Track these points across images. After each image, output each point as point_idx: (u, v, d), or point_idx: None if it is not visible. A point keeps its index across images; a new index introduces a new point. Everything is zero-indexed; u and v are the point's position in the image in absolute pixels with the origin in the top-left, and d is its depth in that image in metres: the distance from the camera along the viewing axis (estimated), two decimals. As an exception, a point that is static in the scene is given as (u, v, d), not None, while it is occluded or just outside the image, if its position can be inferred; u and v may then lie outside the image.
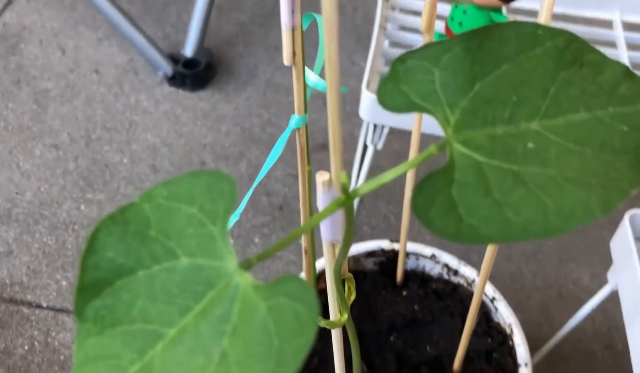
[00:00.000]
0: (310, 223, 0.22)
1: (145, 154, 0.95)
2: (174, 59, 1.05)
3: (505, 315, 0.58)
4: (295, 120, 0.43)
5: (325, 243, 0.34)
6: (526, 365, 0.55)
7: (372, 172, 0.78)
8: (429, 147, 0.22)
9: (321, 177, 0.30)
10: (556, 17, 0.81)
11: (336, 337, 0.38)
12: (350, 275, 0.37)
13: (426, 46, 0.22)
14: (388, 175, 0.22)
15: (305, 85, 0.43)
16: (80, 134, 0.97)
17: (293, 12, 0.39)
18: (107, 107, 1.01)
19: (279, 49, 1.12)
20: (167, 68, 1.03)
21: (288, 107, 1.03)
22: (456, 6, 0.62)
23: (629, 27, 0.80)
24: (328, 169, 0.29)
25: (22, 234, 0.84)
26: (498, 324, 0.59)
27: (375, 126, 0.68)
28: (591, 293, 0.64)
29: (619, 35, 0.79)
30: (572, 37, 0.23)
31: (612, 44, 0.78)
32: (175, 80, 1.04)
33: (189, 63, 1.04)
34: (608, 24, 0.81)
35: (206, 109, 1.02)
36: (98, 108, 1.01)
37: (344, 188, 0.22)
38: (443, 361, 0.58)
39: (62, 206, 0.88)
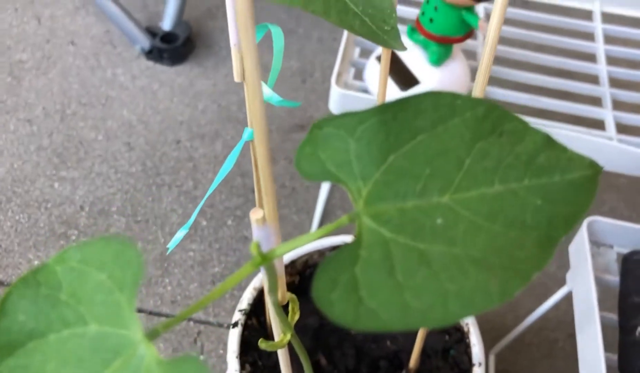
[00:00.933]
0: (224, 287, 0.22)
1: (120, 131, 0.94)
2: (152, 32, 1.03)
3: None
4: (248, 133, 0.43)
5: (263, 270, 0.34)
6: (480, 364, 0.57)
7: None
8: (341, 218, 0.22)
9: (254, 215, 0.30)
10: (534, 5, 0.80)
11: (283, 356, 0.39)
12: (294, 296, 0.37)
13: (343, 115, 0.22)
14: (301, 240, 0.23)
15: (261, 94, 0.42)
16: (56, 109, 0.96)
17: (242, 30, 0.38)
18: (83, 81, 1.00)
19: (260, 22, 1.11)
20: (144, 42, 1.02)
21: (266, 85, 1.02)
22: (427, 2, 0.61)
23: (608, 19, 0.80)
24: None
25: (-6, 212, 0.84)
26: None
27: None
28: (558, 282, 0.65)
29: (597, 26, 0.78)
30: (492, 106, 0.23)
31: (590, 36, 0.77)
32: (152, 54, 1.02)
33: (167, 37, 1.03)
34: (587, 15, 0.80)
35: (184, 84, 1.01)
36: (74, 82, 1.00)
37: (258, 253, 0.22)
38: (402, 356, 0.59)
39: (35, 183, 0.87)
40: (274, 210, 0.29)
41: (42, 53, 1.03)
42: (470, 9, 0.59)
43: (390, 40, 0.28)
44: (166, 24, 1.04)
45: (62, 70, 1.01)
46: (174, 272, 0.80)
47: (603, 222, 0.55)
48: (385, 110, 0.21)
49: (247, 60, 0.42)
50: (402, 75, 0.65)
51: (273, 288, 0.25)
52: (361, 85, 0.68)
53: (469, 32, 0.61)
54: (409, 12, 0.75)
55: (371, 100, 0.62)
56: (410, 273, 0.20)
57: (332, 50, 1.07)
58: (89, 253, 0.22)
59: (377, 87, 0.65)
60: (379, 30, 0.28)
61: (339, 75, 0.67)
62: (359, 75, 0.69)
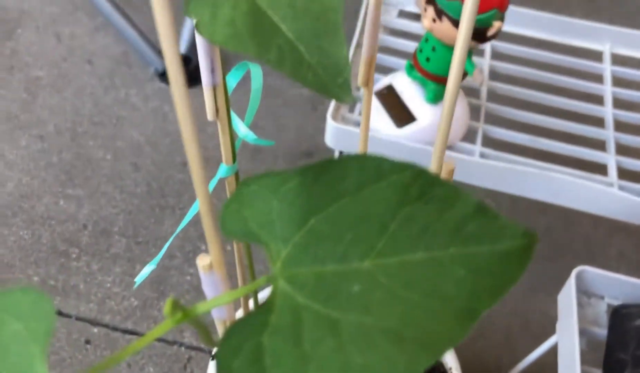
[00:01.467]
0: (138, 344, 0.22)
1: (128, 151, 0.95)
2: (166, 54, 1.04)
3: (447, 357, 0.58)
4: (223, 170, 0.43)
5: (216, 320, 0.34)
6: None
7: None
8: (259, 279, 0.21)
9: (202, 261, 0.30)
10: (543, 44, 0.79)
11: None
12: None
13: (268, 174, 0.22)
14: (223, 298, 0.22)
15: (232, 137, 0.43)
16: (67, 126, 0.98)
17: (213, 71, 0.38)
18: (96, 100, 1.02)
19: (274, 48, 1.12)
20: (158, 64, 1.03)
21: (275, 111, 1.02)
22: (426, 40, 0.61)
23: (619, 60, 0.78)
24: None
25: (-1, 226, 0.86)
26: (441, 364, 0.59)
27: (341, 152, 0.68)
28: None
29: (607, 68, 0.77)
30: (420, 171, 0.22)
31: (598, 78, 0.76)
32: (165, 76, 1.04)
33: (184, 60, 1.04)
34: (597, 56, 0.78)
35: (194, 107, 1.02)
36: (87, 100, 1.01)
37: (181, 309, 0.22)
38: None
39: (42, 200, 0.89)
40: (219, 258, 0.29)
41: (59, 71, 1.05)
42: (468, 53, 0.59)
43: (342, 93, 0.27)
44: (182, 47, 1.05)
45: (76, 89, 1.03)
46: (169, 295, 0.80)
47: (593, 272, 0.53)
48: (307, 171, 0.21)
49: (219, 97, 0.42)
50: (398, 111, 0.64)
51: (205, 340, 0.25)
52: (359, 118, 0.68)
53: (465, 74, 0.61)
54: (408, 45, 0.75)
55: (373, 139, 0.62)
56: (318, 343, 0.20)
57: (344, 78, 1.07)
58: (9, 302, 0.22)
59: (376, 124, 0.65)
60: (332, 83, 0.28)
61: (337, 108, 0.67)
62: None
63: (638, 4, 1.24)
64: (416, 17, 0.77)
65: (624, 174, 0.66)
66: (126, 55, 1.08)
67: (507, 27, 0.77)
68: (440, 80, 0.62)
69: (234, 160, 0.44)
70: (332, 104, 0.66)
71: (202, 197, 0.26)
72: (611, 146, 0.68)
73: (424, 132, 0.63)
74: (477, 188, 0.66)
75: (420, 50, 0.62)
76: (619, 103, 0.73)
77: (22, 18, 1.12)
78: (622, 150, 0.69)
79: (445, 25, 0.56)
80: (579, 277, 0.53)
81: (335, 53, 0.29)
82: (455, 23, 0.56)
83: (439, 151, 0.35)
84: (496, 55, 0.75)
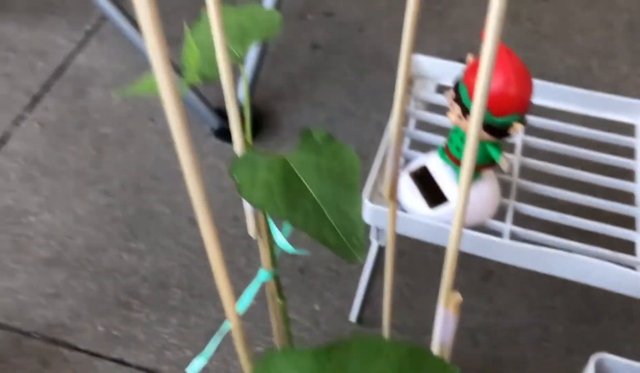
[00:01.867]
0: None
1: (185, 206, 1.03)
2: (222, 113, 1.12)
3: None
4: (263, 275, 0.49)
5: None
6: None
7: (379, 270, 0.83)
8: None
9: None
10: (575, 117, 0.82)
11: None
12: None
13: (289, 351, 0.27)
14: None
15: (272, 248, 0.48)
16: (131, 182, 1.06)
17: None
18: (158, 156, 1.10)
19: (324, 104, 1.18)
20: (213, 122, 1.11)
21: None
22: (455, 131, 0.65)
23: (652, 134, 0.80)
24: None
25: (69, 278, 0.94)
26: None
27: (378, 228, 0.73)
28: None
29: (638, 142, 0.79)
30: (414, 349, 0.27)
31: (630, 152, 0.79)
32: (221, 134, 1.11)
33: (235, 118, 1.11)
34: (628, 129, 0.81)
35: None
36: (149, 156, 1.10)
37: None
38: None
39: (107, 253, 0.97)
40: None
41: (124, 128, 1.14)
42: (495, 143, 0.63)
43: (356, 253, 0.33)
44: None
45: (140, 145, 1.12)
46: (221, 347, 0.86)
47: (612, 360, 0.56)
48: (320, 353, 0.27)
49: (260, 217, 0.48)
50: (431, 192, 0.69)
51: None
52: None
53: (492, 163, 0.65)
54: (444, 121, 0.79)
55: (405, 218, 0.67)
56: None
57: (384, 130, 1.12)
58: None
59: (409, 204, 0.70)
60: (349, 243, 0.33)
61: (374, 187, 0.72)
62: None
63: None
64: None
65: (652, 252, 0.68)
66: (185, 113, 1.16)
67: (539, 101, 0.80)
68: (470, 167, 0.66)
69: (275, 265, 0.49)
70: (370, 181, 0.71)
71: (233, 319, 0.32)
72: (640, 223, 0.70)
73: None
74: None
75: (451, 140, 0.66)
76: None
77: (92, 76, 1.22)
78: (652, 227, 0.71)
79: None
80: (598, 366, 0.56)
81: (352, 214, 0.34)
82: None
83: (456, 236, 0.40)
84: (527, 130, 0.79)
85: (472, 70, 0.60)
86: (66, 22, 1.32)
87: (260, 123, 1.14)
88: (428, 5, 1.37)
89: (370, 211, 0.68)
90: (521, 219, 0.72)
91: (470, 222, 0.69)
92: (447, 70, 0.82)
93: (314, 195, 0.35)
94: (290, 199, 0.35)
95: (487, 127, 0.60)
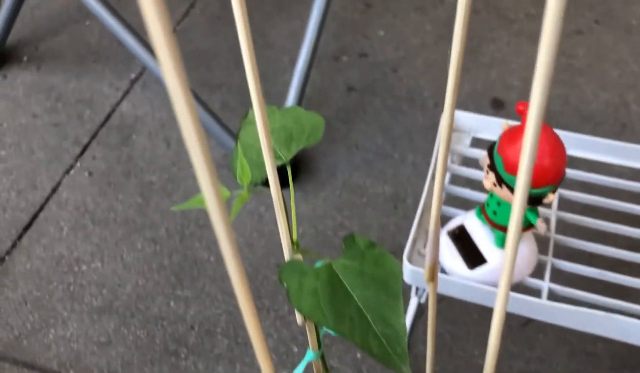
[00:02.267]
0: None
1: (228, 253, 1.06)
2: (261, 159, 1.15)
3: None
4: (310, 355, 0.51)
5: None
6: None
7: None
8: None
9: None
10: (612, 168, 0.83)
11: None
12: None
13: None
14: None
15: (318, 331, 0.51)
16: (176, 229, 1.10)
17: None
18: (200, 203, 1.14)
19: (359, 147, 1.20)
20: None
21: (361, 210, 1.10)
22: (491, 196, 0.67)
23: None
24: None
25: (120, 326, 0.98)
26: None
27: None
28: None
29: (678, 192, 0.79)
30: None
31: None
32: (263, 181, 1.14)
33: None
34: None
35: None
36: (192, 203, 1.14)
37: None
38: None
39: (155, 301, 1.01)
40: None
41: (169, 175, 1.19)
42: (532, 208, 0.64)
43: (400, 363, 0.35)
44: (274, 151, 1.16)
45: (184, 192, 1.16)
46: (266, 396, 0.89)
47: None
48: None
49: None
50: (470, 252, 0.71)
51: None
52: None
53: (531, 224, 0.67)
54: (480, 175, 0.81)
55: (446, 280, 0.69)
56: None
57: (425, 175, 1.14)
58: None
59: (449, 264, 0.71)
60: (393, 352, 0.36)
61: (414, 242, 0.74)
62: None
63: None
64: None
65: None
66: (226, 159, 1.20)
67: (576, 153, 0.81)
68: (503, 230, 0.68)
69: (320, 347, 0.52)
70: (410, 240, 0.73)
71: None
72: (680, 279, 0.71)
73: (494, 274, 0.69)
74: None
75: (488, 204, 0.68)
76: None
77: (137, 124, 1.27)
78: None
79: (505, 191, 0.62)
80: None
81: (396, 323, 0.37)
82: (514, 192, 0.62)
83: (499, 315, 0.41)
84: (565, 183, 0.80)
85: (508, 141, 0.62)
86: (111, 71, 1.38)
87: (297, 168, 1.17)
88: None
89: (410, 272, 0.70)
90: (560, 276, 0.73)
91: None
92: (483, 125, 0.84)
93: (359, 303, 0.37)
94: (336, 308, 0.37)
95: (523, 195, 0.62)
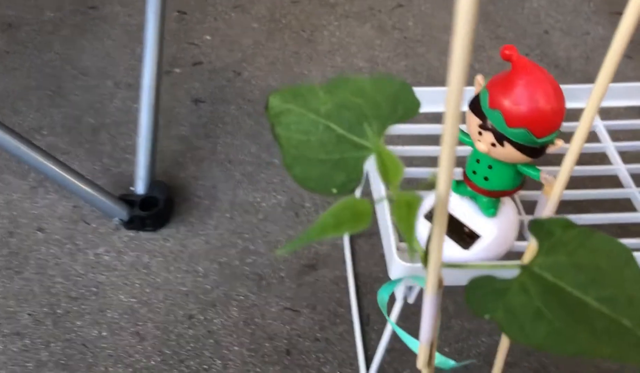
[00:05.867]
0: None
1: (124, 320, 0.86)
2: (127, 200, 0.96)
3: None
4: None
5: None
6: None
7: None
8: None
9: None
10: None
11: None
12: None
13: None
14: None
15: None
16: (44, 312, 0.86)
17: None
18: (65, 272, 0.91)
19: (232, 161, 1.07)
20: (121, 213, 0.94)
21: (262, 228, 0.97)
22: (477, 161, 0.60)
23: None
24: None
25: None
26: None
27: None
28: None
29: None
30: None
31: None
32: (133, 223, 0.95)
33: (146, 201, 0.96)
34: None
35: (175, 249, 0.94)
36: (55, 274, 0.90)
37: None
38: None
39: (48, 409, 0.78)
40: None
41: (9, 249, 0.93)
42: (528, 164, 0.59)
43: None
44: (140, 188, 0.97)
45: (37, 264, 0.91)
46: None
47: None
48: None
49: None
50: (459, 231, 0.63)
51: None
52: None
53: (523, 181, 0.61)
54: (425, 151, 0.74)
55: (449, 273, 0.60)
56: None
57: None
58: None
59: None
60: None
61: (395, 242, 0.64)
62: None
63: None
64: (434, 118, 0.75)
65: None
66: (79, 210, 0.98)
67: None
68: (499, 195, 0.61)
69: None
70: (393, 236, 0.63)
71: None
72: None
73: (492, 246, 0.62)
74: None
75: (474, 172, 0.61)
76: None
77: None
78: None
79: (507, 149, 0.56)
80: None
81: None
82: (519, 147, 0.55)
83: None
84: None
85: (503, 92, 0.55)
86: None
87: (172, 200, 1.00)
88: (297, 31, 1.31)
89: (402, 269, 0.61)
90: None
91: (503, 251, 0.64)
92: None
93: (601, 307, 0.27)
94: (571, 324, 0.27)
95: (527, 149, 0.56)
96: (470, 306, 0.28)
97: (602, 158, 0.78)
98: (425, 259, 0.31)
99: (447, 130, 0.26)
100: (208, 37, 1.30)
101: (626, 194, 0.73)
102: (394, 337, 0.83)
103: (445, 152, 0.26)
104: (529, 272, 0.28)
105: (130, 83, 1.18)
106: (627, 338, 0.27)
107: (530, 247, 0.40)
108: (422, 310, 0.33)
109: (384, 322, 0.86)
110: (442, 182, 0.28)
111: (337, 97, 0.36)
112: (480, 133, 0.57)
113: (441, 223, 0.29)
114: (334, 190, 0.32)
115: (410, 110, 0.34)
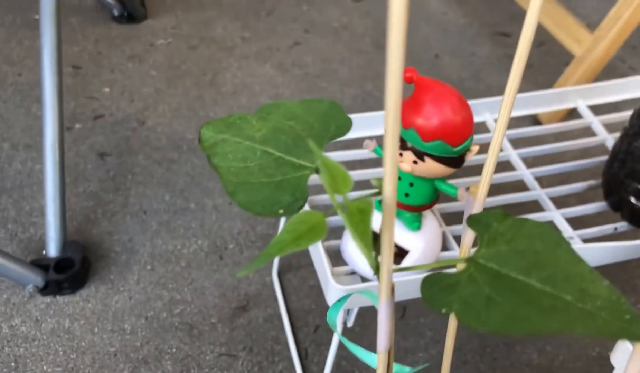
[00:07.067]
0: None
1: (50, 392, 0.81)
2: (41, 265, 0.91)
3: None
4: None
5: None
6: None
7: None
8: None
9: None
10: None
11: None
12: None
13: None
14: None
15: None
16: (-42, 397, 0.80)
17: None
18: None
19: (147, 211, 1.04)
20: (36, 279, 0.89)
21: (186, 276, 0.95)
22: (399, 179, 0.63)
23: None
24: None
25: None
26: None
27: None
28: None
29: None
30: None
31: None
32: (50, 288, 0.90)
33: (61, 264, 0.92)
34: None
35: (97, 309, 0.90)
36: (-33, 355, 0.84)
37: None
38: None
39: None
40: None
41: None
42: (442, 178, 0.62)
43: (637, 328, 0.28)
44: (52, 250, 0.93)
45: (-55, 347, 0.85)
46: None
47: None
48: None
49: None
50: (388, 249, 0.65)
51: None
52: (346, 268, 0.67)
53: (438, 194, 0.64)
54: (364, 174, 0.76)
55: (399, 283, 0.61)
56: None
57: (231, 215, 1.04)
58: None
59: (368, 270, 0.64)
60: (622, 321, 0.28)
61: (330, 268, 0.65)
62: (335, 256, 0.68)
63: None
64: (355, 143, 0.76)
65: None
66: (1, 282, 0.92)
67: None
68: (420, 210, 0.64)
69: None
70: (326, 261, 0.64)
71: None
72: None
73: (422, 258, 0.64)
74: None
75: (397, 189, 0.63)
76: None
77: None
78: None
79: (428, 163, 0.59)
80: None
81: (600, 288, 0.29)
82: (438, 159, 0.58)
83: None
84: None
85: (413, 112, 0.57)
86: None
87: (88, 259, 0.96)
88: (202, 72, 1.31)
89: (340, 294, 0.62)
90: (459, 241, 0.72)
91: (431, 262, 0.67)
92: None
93: (544, 288, 0.29)
94: (521, 306, 0.28)
95: (447, 160, 0.59)
96: (427, 303, 0.29)
97: (505, 166, 0.83)
98: (377, 267, 0.32)
99: (388, 132, 0.27)
100: (107, 90, 1.27)
101: (534, 196, 0.78)
102: (337, 367, 0.83)
103: (388, 155, 0.28)
104: (475, 264, 0.30)
105: (29, 144, 1.14)
106: (571, 312, 0.29)
107: (464, 245, 0.42)
108: (378, 318, 0.34)
109: (323, 354, 0.86)
110: (388, 185, 0.29)
111: (270, 122, 0.36)
112: (400, 154, 0.59)
113: (390, 228, 0.31)
114: (281, 211, 0.33)
115: (343, 127, 0.35)
